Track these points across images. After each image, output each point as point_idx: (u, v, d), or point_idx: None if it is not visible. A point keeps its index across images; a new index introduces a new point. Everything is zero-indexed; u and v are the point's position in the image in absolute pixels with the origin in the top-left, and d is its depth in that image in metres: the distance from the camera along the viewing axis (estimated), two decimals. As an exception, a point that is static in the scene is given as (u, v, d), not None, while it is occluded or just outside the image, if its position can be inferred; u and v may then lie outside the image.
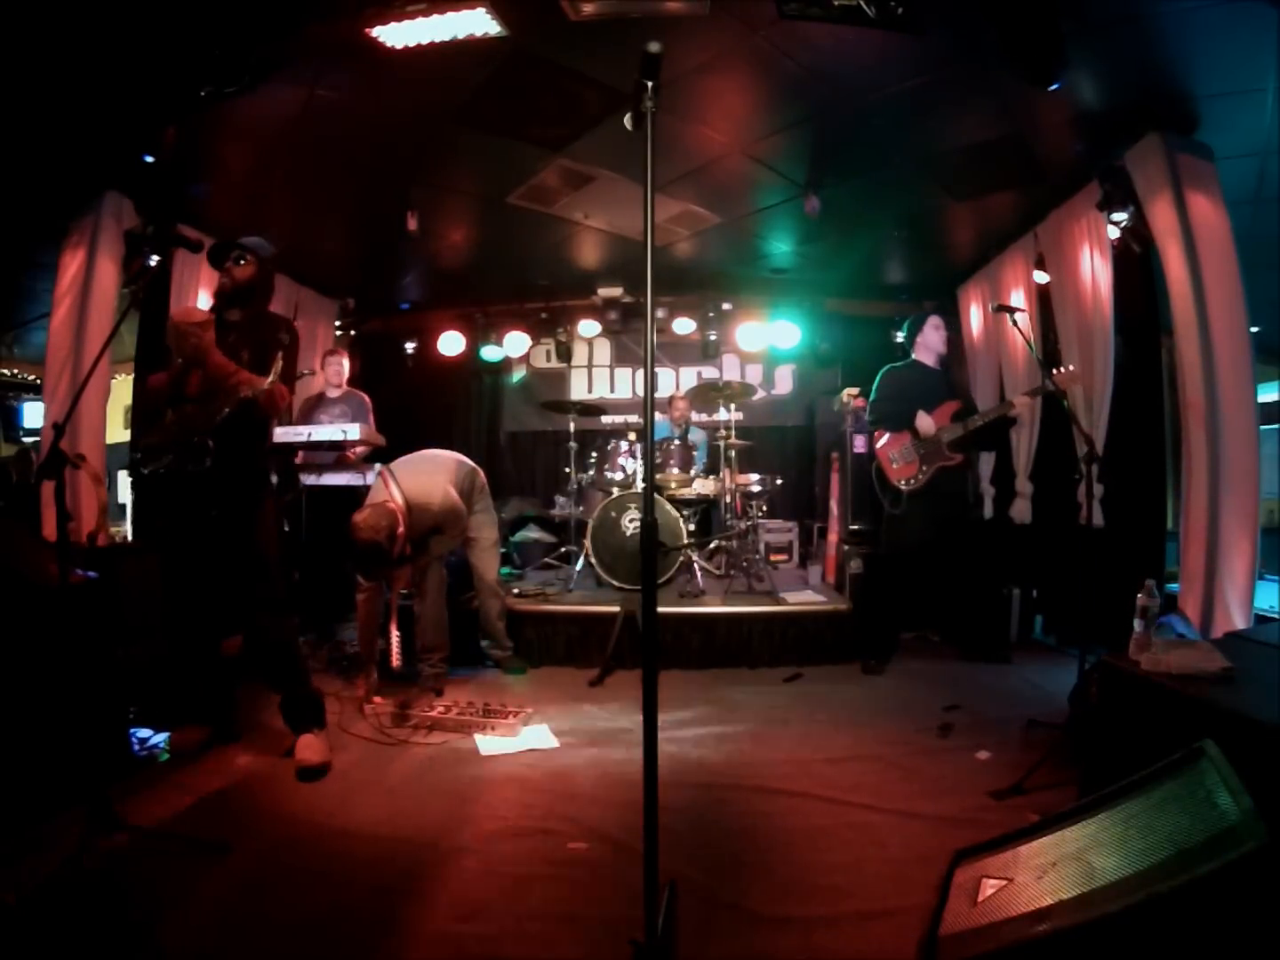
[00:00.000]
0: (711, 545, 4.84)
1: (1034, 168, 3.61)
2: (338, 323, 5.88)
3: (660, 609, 1.34)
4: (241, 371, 2.20)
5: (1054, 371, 3.18)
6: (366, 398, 4.24)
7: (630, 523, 4.20)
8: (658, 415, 4.98)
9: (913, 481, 3.39)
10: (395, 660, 3.09)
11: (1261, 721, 1.44)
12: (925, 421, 3.36)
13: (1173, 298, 3.13)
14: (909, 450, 3.41)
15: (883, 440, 3.50)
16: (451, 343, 6.04)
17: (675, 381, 6.66)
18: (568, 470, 4.72)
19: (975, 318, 5.11)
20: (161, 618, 2.59)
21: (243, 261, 2.37)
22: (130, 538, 4.45)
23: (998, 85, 2.88)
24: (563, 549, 4.82)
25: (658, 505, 4.05)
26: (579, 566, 4.33)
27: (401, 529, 2.77)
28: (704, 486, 4.67)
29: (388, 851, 1.87)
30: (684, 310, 5.99)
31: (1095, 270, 3.63)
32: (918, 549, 3.43)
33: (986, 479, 4.90)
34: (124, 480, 5.42)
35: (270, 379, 2.19)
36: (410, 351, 6.13)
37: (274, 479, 2.48)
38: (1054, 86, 2.52)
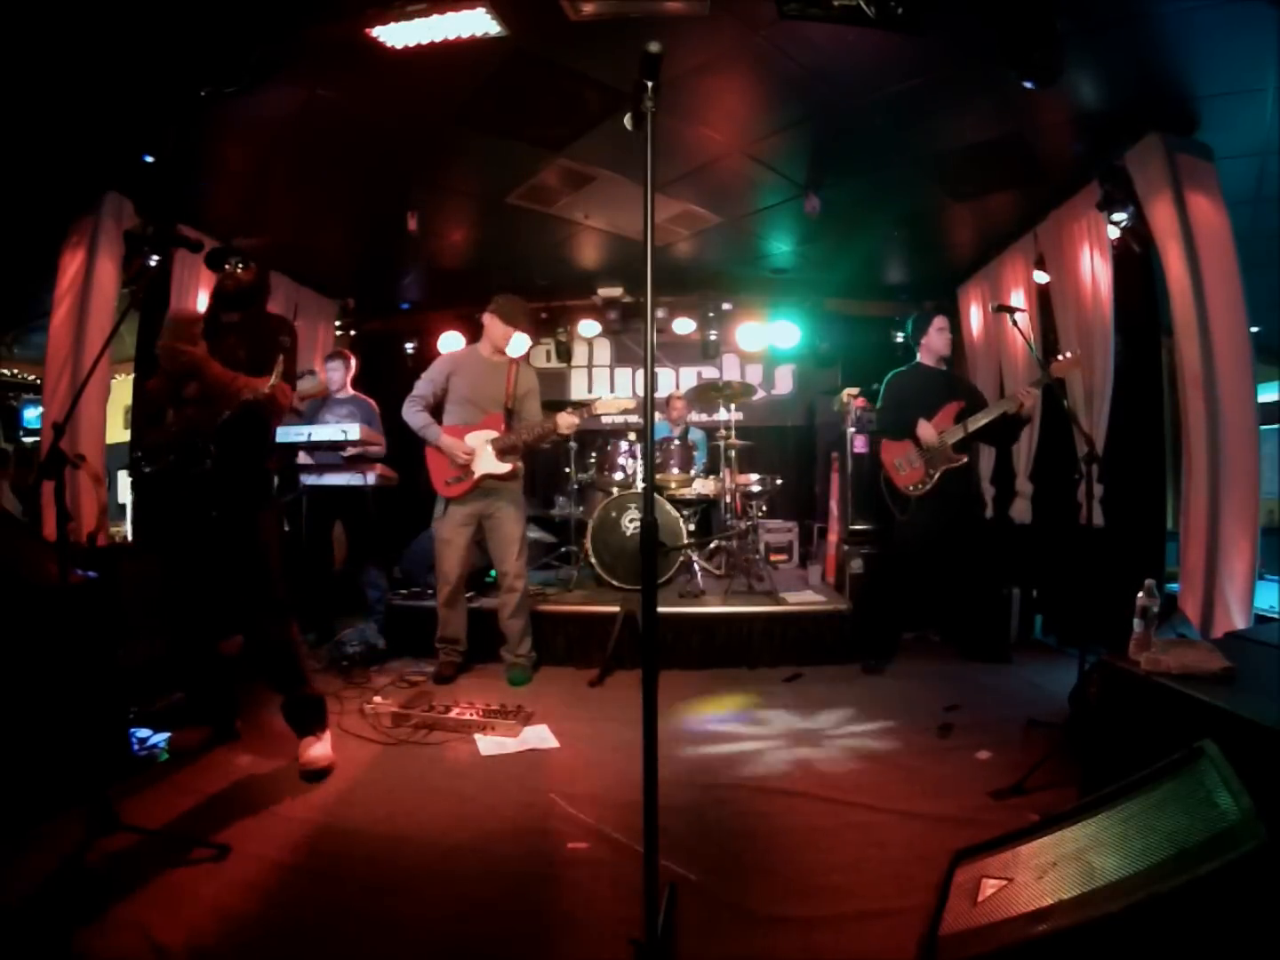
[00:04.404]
0: (711, 545, 4.84)
1: (1034, 168, 3.61)
2: (338, 323, 5.88)
3: (660, 609, 1.34)
4: (241, 377, 2.20)
5: (1054, 360, 3.17)
6: (374, 403, 4.20)
7: (630, 523, 4.20)
8: (657, 415, 4.98)
9: (920, 487, 3.39)
10: None
11: (1261, 722, 1.44)
12: (926, 430, 3.35)
13: (1173, 298, 3.13)
14: (913, 456, 3.41)
15: (888, 448, 3.50)
16: (451, 343, 6.04)
17: (675, 381, 6.67)
18: (568, 470, 4.72)
19: (975, 318, 5.11)
20: (161, 618, 2.59)
21: (242, 265, 2.37)
22: (130, 538, 4.45)
23: (998, 85, 2.88)
24: (563, 549, 4.82)
25: (658, 505, 4.05)
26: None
27: None
28: (704, 486, 4.67)
29: (388, 851, 1.87)
30: (684, 310, 5.99)
31: (1095, 270, 3.63)
32: (926, 550, 3.43)
33: (987, 479, 4.90)
34: (124, 480, 5.42)
35: (273, 381, 2.19)
36: (410, 351, 6.12)
37: (275, 480, 2.47)
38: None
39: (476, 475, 3.21)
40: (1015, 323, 2.83)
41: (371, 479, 3.82)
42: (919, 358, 3.59)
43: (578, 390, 6.76)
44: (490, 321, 3.35)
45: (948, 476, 3.37)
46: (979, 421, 3.29)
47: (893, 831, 1.96)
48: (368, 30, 2.55)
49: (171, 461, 2.19)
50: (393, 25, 2.53)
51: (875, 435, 3.65)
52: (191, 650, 2.45)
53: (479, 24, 2.55)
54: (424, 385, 3.33)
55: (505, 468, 3.22)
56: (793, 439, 6.56)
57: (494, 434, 3.24)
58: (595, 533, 4.21)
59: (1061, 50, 2.45)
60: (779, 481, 4.77)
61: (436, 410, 3.37)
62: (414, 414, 3.28)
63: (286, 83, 2.83)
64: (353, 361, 4.25)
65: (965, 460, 3.38)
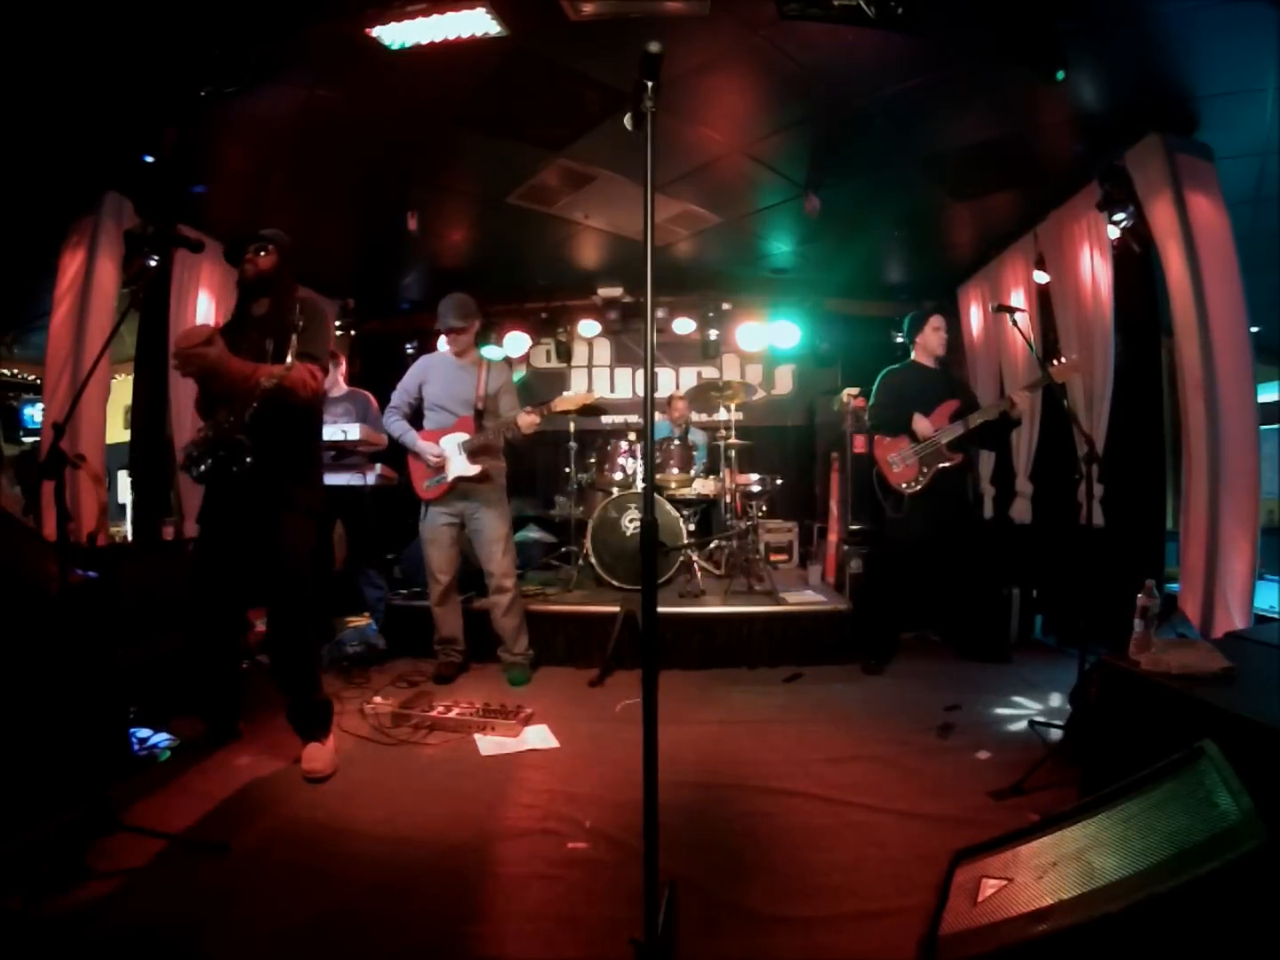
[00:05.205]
0: (711, 545, 4.84)
1: (1034, 168, 3.61)
2: (338, 323, 5.88)
3: (660, 609, 1.33)
4: (261, 366, 2.16)
5: (1053, 363, 3.17)
6: (371, 397, 4.21)
7: (630, 523, 4.20)
8: (657, 415, 4.98)
9: (914, 484, 3.39)
10: None
11: (1261, 722, 1.44)
12: (922, 424, 3.36)
13: (1173, 297, 3.13)
14: (908, 453, 3.41)
15: (882, 444, 3.50)
16: (451, 343, 6.04)
17: (675, 381, 6.67)
18: (568, 470, 4.72)
19: (975, 318, 5.11)
20: (176, 613, 2.56)
21: (263, 251, 2.35)
22: (130, 538, 4.45)
23: (998, 85, 2.89)
24: (563, 549, 4.82)
25: (658, 505, 4.05)
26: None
27: None
28: (704, 486, 4.67)
29: (387, 851, 1.87)
30: (684, 310, 5.98)
31: (1095, 270, 3.63)
32: (919, 549, 3.42)
33: (986, 479, 4.90)
34: (124, 480, 5.42)
35: (289, 362, 2.14)
36: (410, 352, 6.11)
37: (318, 474, 2.43)
38: (1059, 76, 2.52)
39: (450, 478, 3.25)
40: (1015, 323, 2.83)
41: (371, 479, 3.82)
42: (913, 356, 3.59)
43: (578, 390, 6.76)
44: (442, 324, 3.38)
45: (941, 475, 3.37)
46: (974, 421, 3.30)
47: (892, 831, 1.96)
48: (368, 30, 2.55)
49: (210, 465, 2.16)
50: (393, 25, 2.53)
51: (869, 432, 3.65)
52: (209, 646, 2.41)
53: (479, 24, 2.55)
54: (398, 395, 3.40)
55: (475, 469, 3.23)
56: (793, 439, 6.56)
57: (465, 436, 3.27)
58: (595, 533, 4.21)
59: (1063, 48, 2.45)
60: (779, 481, 4.77)
61: (418, 416, 3.41)
62: (393, 423, 3.36)
63: (286, 83, 2.83)
64: (342, 359, 4.28)
65: (959, 460, 3.38)
